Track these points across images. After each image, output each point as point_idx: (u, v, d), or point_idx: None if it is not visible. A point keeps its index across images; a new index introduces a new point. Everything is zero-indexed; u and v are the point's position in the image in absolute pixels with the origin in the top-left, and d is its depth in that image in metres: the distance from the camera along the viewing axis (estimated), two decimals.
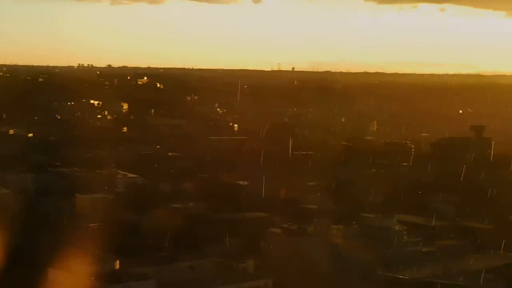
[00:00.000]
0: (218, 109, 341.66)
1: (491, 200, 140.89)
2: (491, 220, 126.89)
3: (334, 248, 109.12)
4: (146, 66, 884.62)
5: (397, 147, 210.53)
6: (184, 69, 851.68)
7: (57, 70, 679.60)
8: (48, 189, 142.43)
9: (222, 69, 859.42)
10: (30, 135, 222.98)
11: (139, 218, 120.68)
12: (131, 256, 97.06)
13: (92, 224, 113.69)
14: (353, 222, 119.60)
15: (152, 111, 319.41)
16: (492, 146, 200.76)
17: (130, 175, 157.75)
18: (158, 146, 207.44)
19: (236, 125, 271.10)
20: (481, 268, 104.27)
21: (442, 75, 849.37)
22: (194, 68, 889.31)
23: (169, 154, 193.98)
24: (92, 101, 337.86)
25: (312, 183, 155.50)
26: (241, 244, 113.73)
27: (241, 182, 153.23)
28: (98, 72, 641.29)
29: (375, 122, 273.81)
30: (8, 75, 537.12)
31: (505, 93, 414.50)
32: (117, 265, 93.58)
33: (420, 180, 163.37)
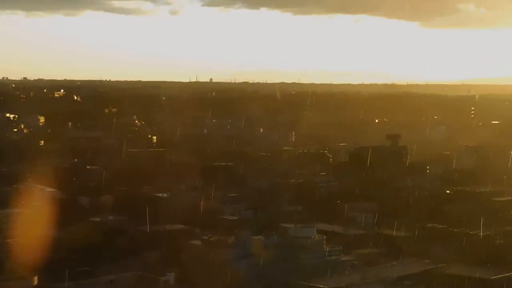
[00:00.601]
0: (136, 121, 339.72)
1: (408, 208, 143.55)
2: (408, 228, 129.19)
3: (254, 258, 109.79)
4: (62, 78, 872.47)
5: (315, 157, 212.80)
6: (101, 81, 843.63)
7: None
8: None
9: (140, 81, 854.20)
10: None
11: (58, 232, 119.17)
12: (50, 272, 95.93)
13: (10, 240, 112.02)
14: (273, 233, 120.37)
15: (70, 123, 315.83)
16: (408, 154, 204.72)
17: (48, 189, 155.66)
18: (76, 160, 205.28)
19: (155, 137, 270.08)
20: (399, 275, 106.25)
21: (358, 84, 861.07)
22: (111, 80, 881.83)
23: (88, 167, 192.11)
24: (8, 115, 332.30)
25: (232, 194, 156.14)
26: (161, 257, 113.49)
27: (160, 195, 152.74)
28: (13, 85, 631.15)
29: (293, 132, 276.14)
30: None
31: (418, 102, 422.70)
32: (36, 281, 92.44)
33: (338, 189, 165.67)
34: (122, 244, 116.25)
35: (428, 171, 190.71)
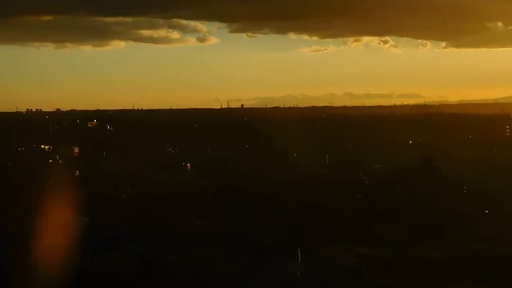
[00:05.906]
0: (169, 149, 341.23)
1: (444, 228, 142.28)
2: (445, 249, 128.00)
3: (292, 282, 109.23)
4: (95, 108, 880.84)
5: (350, 180, 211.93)
6: (133, 110, 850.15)
7: (5, 116, 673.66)
8: None
9: (172, 109, 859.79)
10: None
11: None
12: None
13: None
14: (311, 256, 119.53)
15: (104, 153, 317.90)
16: (443, 175, 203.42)
17: (85, 218, 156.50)
18: (112, 189, 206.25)
19: (189, 164, 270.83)
20: None
21: (390, 106, 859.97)
22: (143, 108, 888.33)
23: (123, 196, 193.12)
24: (42, 146, 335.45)
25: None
26: None
27: (197, 221, 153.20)
28: (47, 117, 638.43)
29: (327, 156, 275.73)
30: None
31: (451, 122, 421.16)
32: None
33: (374, 211, 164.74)
34: None
35: (465, 191, 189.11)
